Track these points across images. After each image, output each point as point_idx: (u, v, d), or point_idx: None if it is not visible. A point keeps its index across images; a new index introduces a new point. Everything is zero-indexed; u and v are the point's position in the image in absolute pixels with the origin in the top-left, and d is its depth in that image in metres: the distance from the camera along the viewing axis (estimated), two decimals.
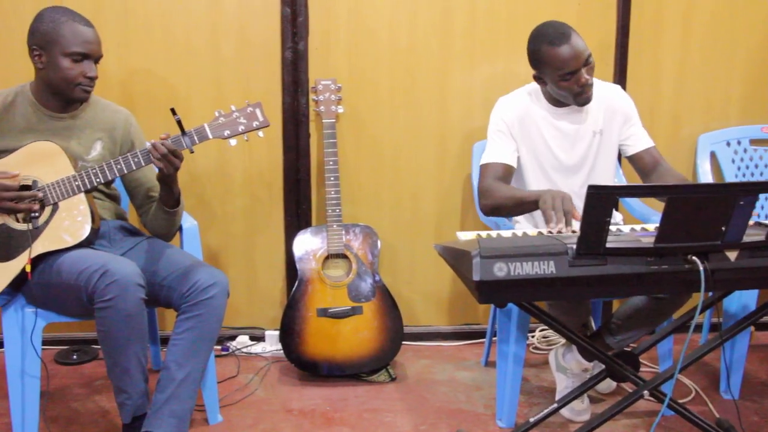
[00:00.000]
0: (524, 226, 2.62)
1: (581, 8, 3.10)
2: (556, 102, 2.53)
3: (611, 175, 2.64)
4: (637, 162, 2.60)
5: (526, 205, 2.32)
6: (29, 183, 2.24)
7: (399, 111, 3.14)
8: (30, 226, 2.21)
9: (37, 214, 2.21)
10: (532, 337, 3.22)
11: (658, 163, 2.56)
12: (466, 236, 2.00)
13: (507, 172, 2.51)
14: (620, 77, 3.16)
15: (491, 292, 1.73)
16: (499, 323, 2.54)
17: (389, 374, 2.89)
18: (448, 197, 3.21)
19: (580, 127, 2.55)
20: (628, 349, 2.32)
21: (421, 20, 3.07)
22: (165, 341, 2.94)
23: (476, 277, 1.66)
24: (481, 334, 3.27)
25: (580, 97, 2.43)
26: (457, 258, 1.87)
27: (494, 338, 2.87)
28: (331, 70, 3.06)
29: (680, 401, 2.51)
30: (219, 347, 3.14)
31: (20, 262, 2.21)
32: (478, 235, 1.96)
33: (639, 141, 2.59)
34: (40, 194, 2.22)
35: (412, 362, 3.09)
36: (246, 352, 3.19)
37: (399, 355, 2.93)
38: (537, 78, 2.50)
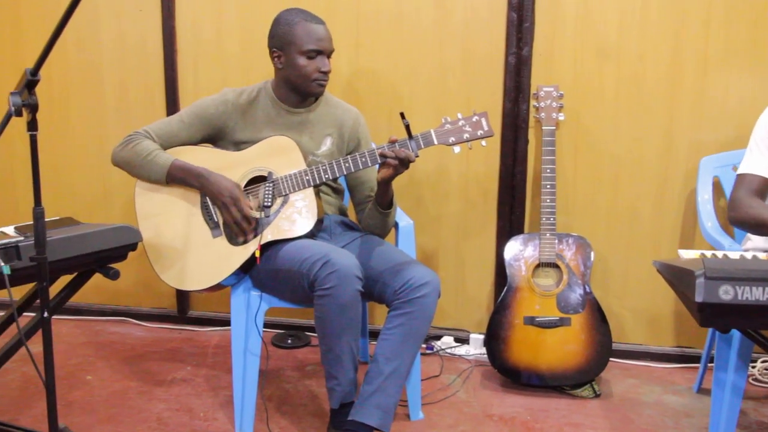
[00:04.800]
0: (756, 242, 2.46)
1: None
2: None
3: None
4: None
5: None
6: (265, 174, 2.41)
7: (622, 120, 3.04)
8: (262, 214, 2.38)
9: (269, 204, 2.37)
10: (753, 367, 3.00)
11: None
12: (688, 254, 1.91)
13: (764, 186, 2.37)
14: None
15: (714, 315, 1.64)
16: (718, 349, 2.39)
17: (594, 390, 2.81)
18: (669, 213, 3.07)
19: None
20: None
21: (652, 26, 2.95)
22: (373, 335, 3.05)
23: (699, 299, 1.59)
24: (694, 359, 3.09)
25: None
26: (677, 277, 1.79)
27: (709, 364, 2.72)
28: (554, 77, 3.03)
29: None
30: (424, 346, 3.20)
31: (251, 247, 2.38)
32: (702, 254, 1.87)
33: None
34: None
35: (618, 380, 2.99)
36: (450, 353, 3.22)
37: (605, 371, 2.84)
38: None
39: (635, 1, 2.95)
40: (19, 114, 1.62)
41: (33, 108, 1.65)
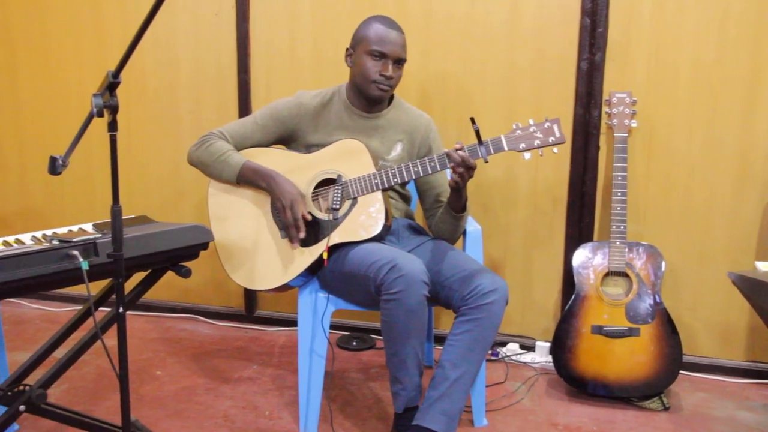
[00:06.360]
0: None
1: None
2: None
3: None
4: None
5: None
6: (334, 177, 2.43)
7: (697, 128, 2.97)
8: (331, 217, 2.40)
9: (338, 206, 2.39)
10: None
11: None
12: (766, 266, 1.86)
13: None
14: None
15: None
16: None
17: (662, 402, 2.76)
18: (744, 223, 2.98)
19: None
20: None
21: (731, 31, 2.88)
22: (438, 340, 3.06)
23: None
24: None
25: None
26: (754, 289, 1.74)
27: None
28: (627, 83, 2.98)
29: None
30: (489, 352, 3.17)
31: (318, 249, 2.40)
32: None
33: None
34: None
35: (688, 393, 2.92)
36: (515, 360, 3.20)
37: (674, 384, 2.78)
38: None
39: (714, 6, 2.88)
40: (100, 115, 1.67)
41: (113, 109, 1.69)
